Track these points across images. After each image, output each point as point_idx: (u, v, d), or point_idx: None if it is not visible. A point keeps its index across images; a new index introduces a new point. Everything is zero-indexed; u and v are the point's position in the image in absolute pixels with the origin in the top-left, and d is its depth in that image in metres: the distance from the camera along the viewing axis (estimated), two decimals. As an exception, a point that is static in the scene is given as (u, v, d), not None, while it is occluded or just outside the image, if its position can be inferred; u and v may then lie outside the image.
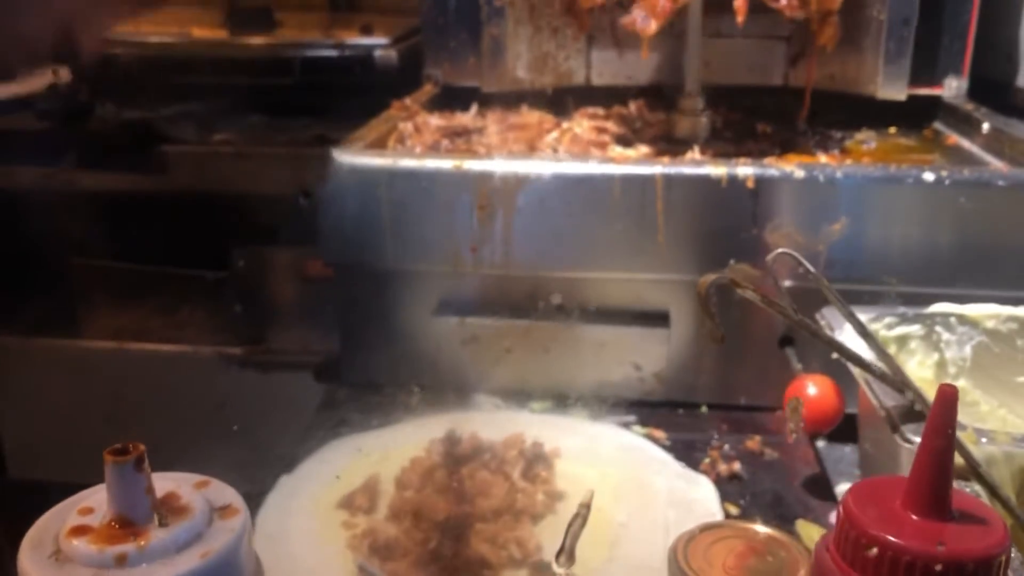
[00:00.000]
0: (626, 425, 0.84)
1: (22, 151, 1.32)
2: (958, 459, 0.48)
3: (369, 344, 0.90)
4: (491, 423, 0.80)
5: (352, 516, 0.70)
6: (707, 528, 0.51)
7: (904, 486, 0.33)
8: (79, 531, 0.34)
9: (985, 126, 1.01)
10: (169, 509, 0.35)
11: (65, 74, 1.39)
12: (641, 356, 0.87)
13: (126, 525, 0.34)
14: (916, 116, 1.11)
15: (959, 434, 0.49)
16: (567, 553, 0.47)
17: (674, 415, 0.86)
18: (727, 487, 0.75)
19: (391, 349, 0.90)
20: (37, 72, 1.48)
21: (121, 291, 1.31)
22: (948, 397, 0.32)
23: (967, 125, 1.05)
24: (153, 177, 1.27)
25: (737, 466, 0.77)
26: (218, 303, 1.23)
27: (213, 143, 1.29)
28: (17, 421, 1.21)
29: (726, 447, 0.81)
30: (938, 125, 1.11)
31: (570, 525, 0.48)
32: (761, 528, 0.51)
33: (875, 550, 0.32)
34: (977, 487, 0.46)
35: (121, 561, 0.33)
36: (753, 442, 0.81)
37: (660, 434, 0.82)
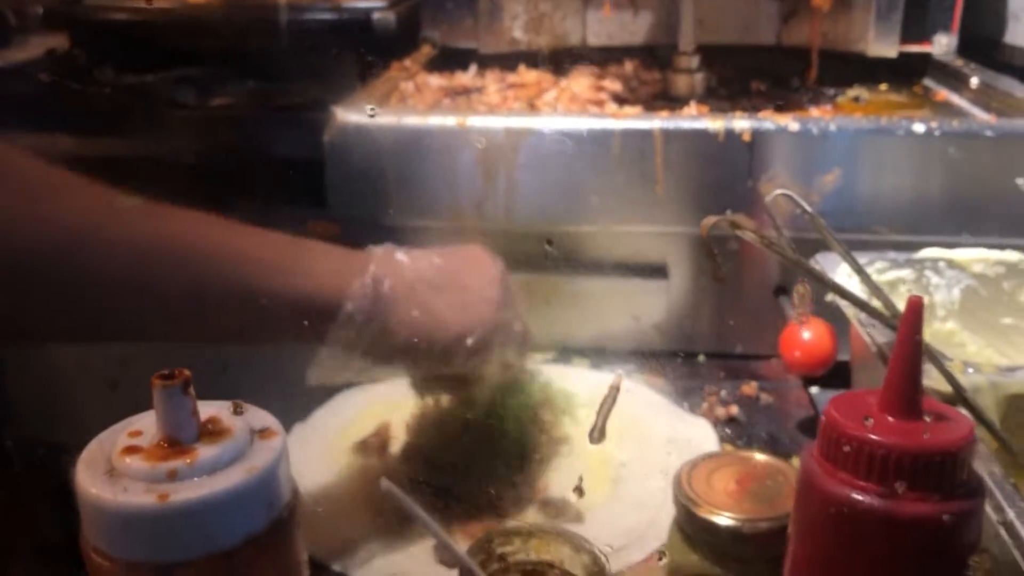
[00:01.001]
0: (626, 373, 0.87)
1: (20, 117, 1.32)
2: (946, 386, 0.51)
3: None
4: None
5: (366, 459, 0.72)
6: (709, 456, 0.54)
7: (879, 394, 0.37)
8: (131, 451, 0.36)
9: (974, 81, 1.03)
10: (213, 430, 0.38)
11: (62, 40, 1.39)
12: (640, 307, 0.89)
13: (174, 444, 0.36)
14: (906, 73, 1.13)
15: (947, 364, 0.52)
16: (599, 430, 0.51)
17: (672, 364, 0.89)
18: (725, 429, 0.78)
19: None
20: (32, 38, 1.48)
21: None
22: (914, 307, 0.36)
23: (956, 81, 1.07)
24: (153, 141, 1.27)
25: (734, 409, 0.80)
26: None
27: (212, 107, 1.30)
28: (23, 384, 1.22)
29: (723, 392, 0.83)
30: (928, 81, 1.13)
31: (602, 405, 0.51)
32: (760, 456, 0.54)
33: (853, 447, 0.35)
34: (964, 412, 0.49)
35: (172, 476, 0.35)
36: (749, 387, 0.84)
37: (659, 381, 0.85)
